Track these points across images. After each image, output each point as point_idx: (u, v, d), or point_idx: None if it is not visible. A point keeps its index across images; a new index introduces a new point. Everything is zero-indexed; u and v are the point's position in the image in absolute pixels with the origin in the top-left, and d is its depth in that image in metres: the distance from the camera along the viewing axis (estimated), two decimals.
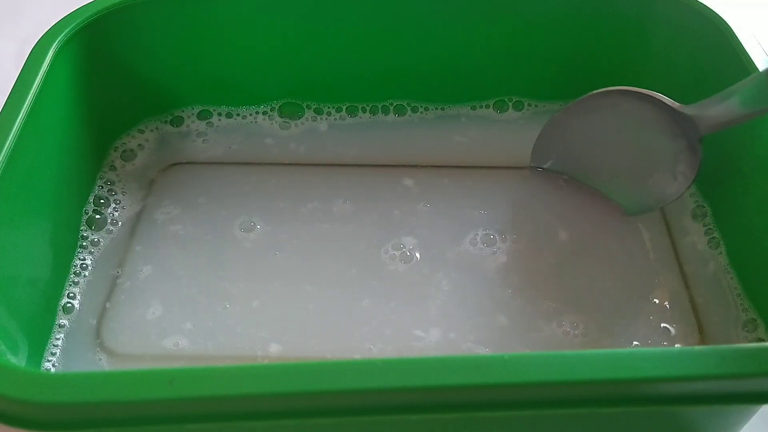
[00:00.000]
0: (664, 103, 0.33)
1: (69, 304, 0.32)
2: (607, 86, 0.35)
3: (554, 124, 0.37)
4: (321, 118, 0.41)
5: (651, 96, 0.34)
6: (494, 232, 0.36)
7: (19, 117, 0.30)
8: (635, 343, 0.32)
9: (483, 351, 0.31)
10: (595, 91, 0.35)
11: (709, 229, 0.35)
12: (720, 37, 0.34)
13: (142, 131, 0.40)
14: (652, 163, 0.35)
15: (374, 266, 0.34)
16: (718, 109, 0.31)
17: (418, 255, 0.35)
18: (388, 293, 0.33)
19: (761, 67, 0.32)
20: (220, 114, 0.41)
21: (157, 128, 0.40)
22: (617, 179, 0.36)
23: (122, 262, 0.34)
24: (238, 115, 0.41)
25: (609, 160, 0.36)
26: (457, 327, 0.32)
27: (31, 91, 0.31)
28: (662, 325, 0.32)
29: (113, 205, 0.37)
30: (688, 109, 0.33)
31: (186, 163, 0.39)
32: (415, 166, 0.39)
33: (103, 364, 0.31)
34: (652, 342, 0.32)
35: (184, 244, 0.35)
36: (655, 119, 0.34)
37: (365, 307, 0.33)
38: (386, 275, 0.34)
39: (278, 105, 0.41)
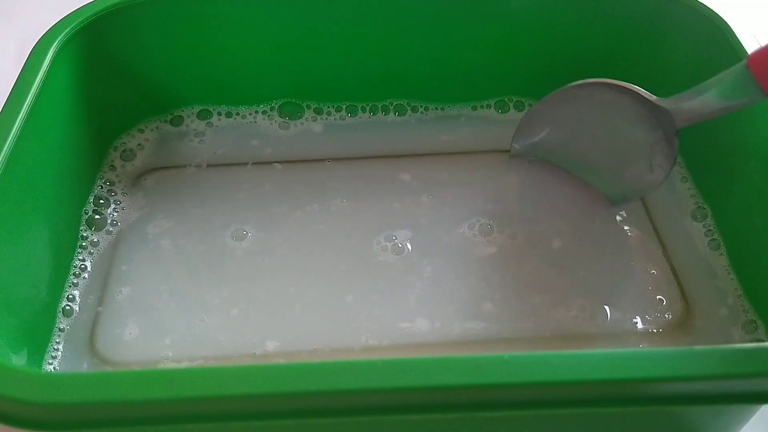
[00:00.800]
0: (640, 95, 0.34)
1: (68, 306, 0.32)
2: None
3: (532, 114, 0.38)
4: (321, 118, 0.41)
5: (628, 88, 0.34)
6: (490, 222, 0.36)
7: (19, 117, 0.30)
8: (629, 322, 0.32)
9: (473, 329, 0.32)
10: (572, 83, 0.36)
11: (710, 230, 0.35)
12: (720, 37, 0.34)
13: (142, 131, 0.40)
14: (629, 153, 0.35)
15: (364, 259, 0.34)
16: (694, 102, 0.32)
17: (409, 246, 0.35)
18: (373, 286, 0.33)
19: None
20: (219, 114, 0.41)
21: (157, 128, 0.40)
22: (596, 169, 0.37)
23: (116, 274, 0.34)
24: (237, 114, 0.41)
25: (587, 151, 0.37)
26: (444, 315, 0.32)
27: (31, 91, 0.31)
28: (661, 326, 0.32)
29: (113, 206, 0.37)
30: (665, 102, 0.33)
31: (186, 164, 0.39)
32: (413, 159, 0.39)
33: (103, 367, 0.31)
34: (651, 343, 0.32)
35: (178, 256, 0.35)
36: (632, 111, 0.34)
37: (349, 302, 0.33)
38: (375, 267, 0.34)
39: (278, 105, 0.41)
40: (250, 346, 0.31)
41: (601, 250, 0.35)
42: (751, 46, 0.33)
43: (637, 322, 0.32)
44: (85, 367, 0.31)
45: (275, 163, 0.39)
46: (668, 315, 0.32)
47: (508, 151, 0.39)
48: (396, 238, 0.35)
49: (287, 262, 0.34)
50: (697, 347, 0.23)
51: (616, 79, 0.35)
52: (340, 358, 0.30)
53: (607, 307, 0.33)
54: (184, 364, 0.31)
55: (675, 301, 0.33)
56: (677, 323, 0.32)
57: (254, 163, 0.39)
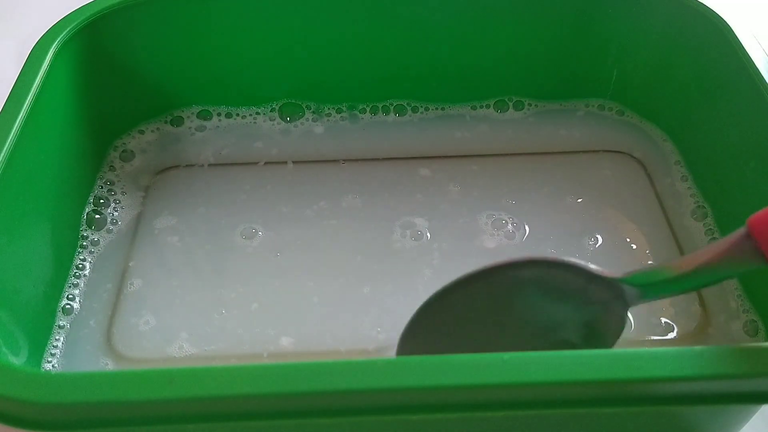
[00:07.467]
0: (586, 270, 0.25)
1: (68, 306, 0.32)
2: (606, 87, 0.34)
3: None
4: (321, 119, 0.41)
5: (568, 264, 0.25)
6: (510, 218, 0.36)
7: (19, 117, 0.30)
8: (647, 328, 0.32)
9: None
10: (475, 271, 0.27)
11: (710, 229, 0.35)
12: (720, 37, 0.34)
13: (142, 131, 0.40)
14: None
15: (381, 249, 0.34)
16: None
17: (428, 234, 0.35)
18: (387, 277, 0.33)
19: (761, 67, 0.32)
20: (219, 114, 0.41)
21: (157, 128, 0.40)
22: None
23: (119, 272, 0.34)
24: (237, 115, 0.41)
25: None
26: None
27: (31, 91, 0.31)
28: (662, 322, 0.32)
29: (113, 205, 0.37)
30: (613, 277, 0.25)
31: (186, 165, 0.39)
32: (424, 159, 0.39)
33: (103, 365, 0.31)
34: (652, 342, 0.32)
35: (183, 254, 0.35)
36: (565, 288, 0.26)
37: (366, 294, 0.33)
38: (391, 255, 0.34)
39: (278, 105, 0.41)
40: (270, 339, 0.31)
41: (613, 249, 0.35)
42: (751, 46, 0.33)
43: (638, 322, 0.32)
44: (83, 364, 0.31)
45: (278, 163, 0.39)
46: (668, 315, 0.32)
47: (512, 154, 0.39)
48: (416, 225, 0.35)
49: (301, 257, 0.35)
50: (697, 347, 0.23)
51: (620, 81, 0.34)
52: (354, 357, 0.30)
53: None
54: (201, 360, 0.31)
55: (683, 308, 0.33)
56: (677, 323, 0.32)
57: (256, 163, 0.39)
